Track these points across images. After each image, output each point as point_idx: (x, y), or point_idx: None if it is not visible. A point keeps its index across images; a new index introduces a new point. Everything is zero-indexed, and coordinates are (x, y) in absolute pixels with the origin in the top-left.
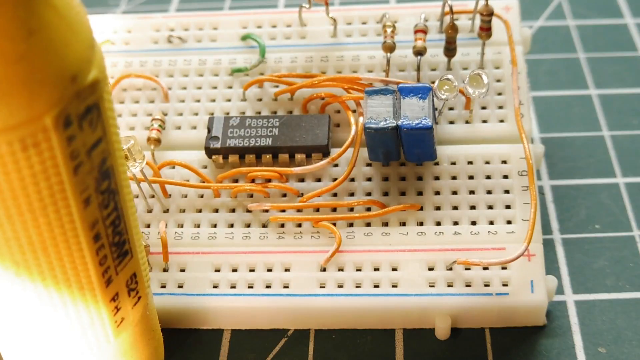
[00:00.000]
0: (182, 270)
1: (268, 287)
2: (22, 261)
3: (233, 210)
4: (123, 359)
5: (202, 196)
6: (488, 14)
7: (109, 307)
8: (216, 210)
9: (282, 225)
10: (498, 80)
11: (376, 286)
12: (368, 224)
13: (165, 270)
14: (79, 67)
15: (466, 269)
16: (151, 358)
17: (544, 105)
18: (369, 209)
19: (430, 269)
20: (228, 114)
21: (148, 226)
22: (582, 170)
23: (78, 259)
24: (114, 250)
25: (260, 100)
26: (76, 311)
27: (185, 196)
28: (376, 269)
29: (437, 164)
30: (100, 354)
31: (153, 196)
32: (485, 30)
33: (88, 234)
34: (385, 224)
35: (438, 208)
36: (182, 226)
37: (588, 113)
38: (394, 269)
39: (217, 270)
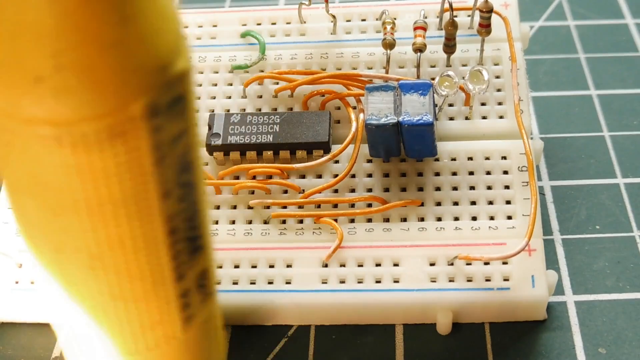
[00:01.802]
0: None
1: (270, 283)
2: (97, 254)
3: (234, 207)
4: (189, 356)
5: None
6: (487, 11)
7: (179, 303)
8: (218, 207)
9: (284, 222)
10: (497, 77)
11: (378, 282)
12: (369, 220)
13: None
14: (169, 56)
15: (467, 264)
16: (215, 356)
17: (544, 106)
18: (370, 205)
19: (432, 265)
20: (228, 111)
21: None
22: (582, 170)
23: (153, 253)
24: (188, 245)
25: (260, 97)
26: (147, 305)
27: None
28: (378, 265)
29: (437, 160)
30: (167, 350)
31: None
32: (485, 27)
33: (165, 227)
34: (387, 220)
35: (439, 204)
36: None
37: (588, 113)
38: (396, 265)
39: (219, 267)
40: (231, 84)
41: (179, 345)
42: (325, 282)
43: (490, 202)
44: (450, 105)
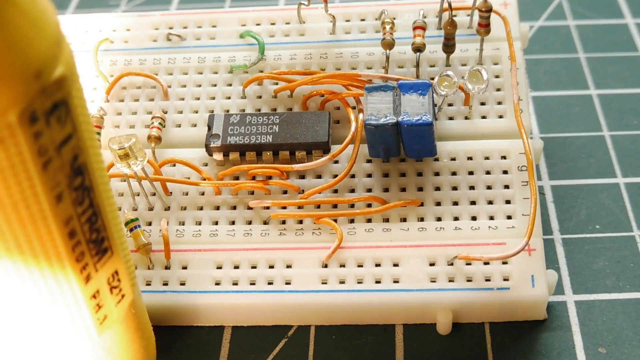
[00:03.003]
0: (184, 268)
1: (270, 283)
2: None
3: (234, 208)
4: (109, 356)
5: (203, 194)
6: (486, 10)
7: (90, 304)
8: (217, 208)
9: (284, 222)
10: (497, 76)
11: (378, 282)
12: (369, 220)
13: (167, 267)
14: (43, 63)
15: (467, 264)
16: (140, 356)
17: (544, 105)
18: (369, 205)
19: (432, 265)
20: (228, 111)
21: (149, 224)
22: (582, 170)
23: (54, 255)
24: (91, 247)
25: (260, 97)
26: (56, 307)
27: (187, 194)
28: (377, 265)
29: (437, 159)
30: (84, 351)
31: (154, 194)
32: (484, 27)
33: (62, 230)
34: (386, 220)
35: (438, 204)
36: (183, 224)
37: (588, 113)
38: (395, 265)
39: (219, 268)
40: (230, 85)
41: (96, 346)
42: (325, 283)
43: (490, 202)
44: (450, 104)
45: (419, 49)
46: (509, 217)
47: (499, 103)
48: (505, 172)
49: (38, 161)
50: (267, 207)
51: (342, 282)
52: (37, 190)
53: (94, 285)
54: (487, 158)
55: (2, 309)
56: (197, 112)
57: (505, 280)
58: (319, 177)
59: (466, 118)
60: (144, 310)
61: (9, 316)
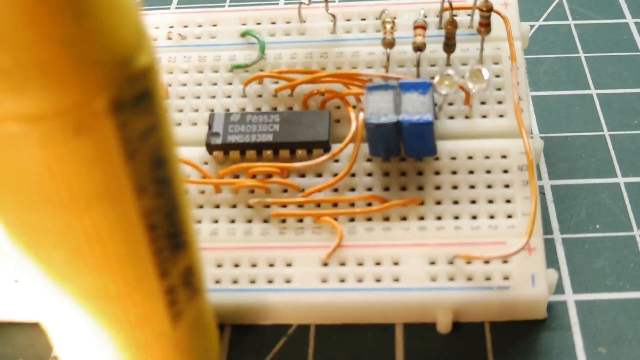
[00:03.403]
0: None
1: (270, 282)
2: (76, 251)
3: (234, 206)
4: (180, 353)
5: (203, 192)
6: (487, 10)
7: (166, 300)
8: (217, 206)
9: (284, 221)
10: (497, 76)
11: (378, 281)
12: (369, 219)
13: None
14: (129, 51)
15: (467, 263)
16: (206, 354)
17: (544, 105)
18: (370, 204)
19: (432, 264)
20: (228, 110)
21: None
22: (582, 170)
23: (133, 249)
24: (169, 241)
25: (260, 96)
26: (133, 303)
27: (186, 192)
28: (378, 264)
29: (437, 159)
30: (157, 347)
31: None
32: (484, 26)
33: (143, 223)
34: (387, 219)
35: (439, 203)
36: None
37: (588, 113)
38: (396, 264)
39: (219, 266)
40: (231, 84)
41: (169, 342)
42: (325, 282)
43: (490, 201)
44: (450, 104)
45: (419, 48)
46: (509, 217)
47: (500, 102)
48: (505, 171)
49: (123, 151)
50: (268, 206)
51: (342, 281)
52: (121, 181)
53: (170, 281)
54: (487, 157)
55: (77, 301)
56: (197, 110)
57: (505, 279)
58: (319, 175)
59: (466, 117)
60: (211, 308)
61: (83, 309)
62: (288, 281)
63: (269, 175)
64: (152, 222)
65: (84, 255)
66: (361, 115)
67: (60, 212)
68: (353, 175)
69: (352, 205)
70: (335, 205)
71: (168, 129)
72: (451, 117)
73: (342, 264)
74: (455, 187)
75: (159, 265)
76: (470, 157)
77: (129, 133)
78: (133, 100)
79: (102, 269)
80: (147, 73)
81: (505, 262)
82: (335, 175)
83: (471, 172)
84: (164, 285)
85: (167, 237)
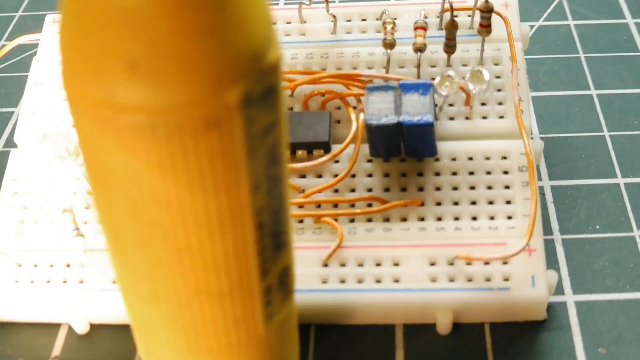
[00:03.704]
0: None
1: None
2: (185, 246)
3: None
4: (269, 354)
5: None
6: (487, 11)
7: (263, 300)
8: None
9: None
10: (498, 77)
11: (378, 281)
12: (369, 220)
13: None
14: (262, 45)
15: (467, 264)
16: (291, 355)
17: (544, 106)
18: (370, 205)
19: (432, 265)
20: None
21: None
22: (582, 170)
23: (241, 246)
24: (273, 240)
25: None
26: (231, 301)
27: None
28: (378, 265)
29: (437, 159)
30: (249, 348)
31: None
32: (485, 27)
33: (254, 221)
34: (387, 220)
35: (439, 204)
36: None
37: (588, 113)
38: (396, 265)
39: None
40: None
41: (260, 343)
42: (326, 282)
43: (491, 202)
44: (451, 105)
45: (420, 49)
46: (510, 218)
47: (500, 103)
48: (505, 172)
49: (246, 147)
50: None
51: (342, 282)
52: (240, 177)
53: (268, 280)
54: (487, 158)
55: (177, 300)
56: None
57: (505, 280)
58: (320, 176)
59: (467, 118)
60: (296, 309)
61: (183, 309)
62: None
63: None
64: (261, 220)
65: (192, 252)
66: (361, 116)
67: (176, 206)
68: (353, 176)
69: (353, 206)
70: (335, 206)
71: (286, 127)
72: (451, 118)
73: (343, 265)
74: (455, 188)
75: (261, 264)
76: (470, 158)
77: (254, 129)
78: (261, 95)
79: (209, 266)
80: (275, 68)
81: (505, 263)
82: (336, 176)
83: (471, 173)
84: (263, 285)
85: (271, 236)
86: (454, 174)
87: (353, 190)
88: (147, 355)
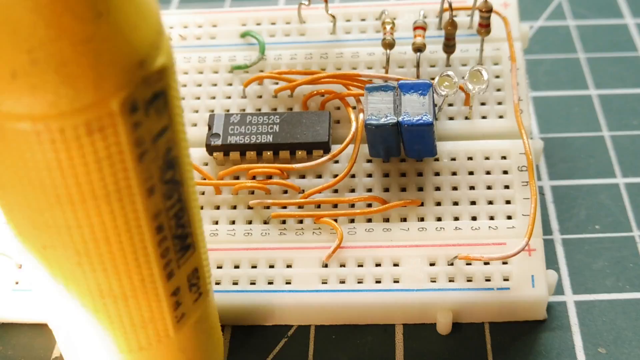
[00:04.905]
0: None
1: (270, 283)
2: (83, 250)
3: (234, 207)
4: (182, 355)
5: (203, 193)
6: (487, 11)
7: (170, 302)
8: (217, 207)
9: (284, 222)
10: (497, 77)
11: (378, 282)
12: (369, 220)
13: None
14: (146, 52)
15: (467, 264)
16: (210, 356)
17: (544, 105)
18: (370, 205)
19: (432, 265)
20: (228, 111)
21: None
22: (582, 170)
23: (140, 250)
24: (176, 243)
25: (260, 97)
26: (137, 303)
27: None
28: (378, 265)
29: (437, 159)
30: (160, 349)
31: None
32: (484, 27)
33: (151, 224)
34: (387, 220)
35: (439, 204)
36: None
37: (588, 113)
38: (396, 265)
39: (219, 267)
40: (231, 84)
41: (172, 344)
42: (325, 282)
43: (490, 202)
44: (450, 105)
45: (419, 49)
46: (509, 218)
47: (499, 103)
48: (505, 172)
49: (135, 152)
50: (268, 207)
51: (342, 282)
52: (131, 182)
53: (175, 282)
54: (487, 158)
55: (82, 301)
56: (197, 111)
57: (505, 280)
58: (319, 176)
59: (466, 118)
60: (215, 310)
61: (88, 309)
62: (288, 282)
63: (269, 177)
64: (160, 223)
65: (91, 255)
66: (361, 116)
67: (69, 210)
68: (353, 176)
69: (352, 206)
70: (335, 206)
71: (181, 130)
72: (451, 118)
73: (342, 265)
74: (455, 188)
75: (164, 267)
76: (470, 158)
77: (142, 134)
78: (147, 100)
79: (108, 268)
80: (163, 74)
81: (505, 263)
82: (335, 176)
83: (471, 173)
84: (169, 287)
85: (174, 238)
86: (454, 173)
87: (353, 191)
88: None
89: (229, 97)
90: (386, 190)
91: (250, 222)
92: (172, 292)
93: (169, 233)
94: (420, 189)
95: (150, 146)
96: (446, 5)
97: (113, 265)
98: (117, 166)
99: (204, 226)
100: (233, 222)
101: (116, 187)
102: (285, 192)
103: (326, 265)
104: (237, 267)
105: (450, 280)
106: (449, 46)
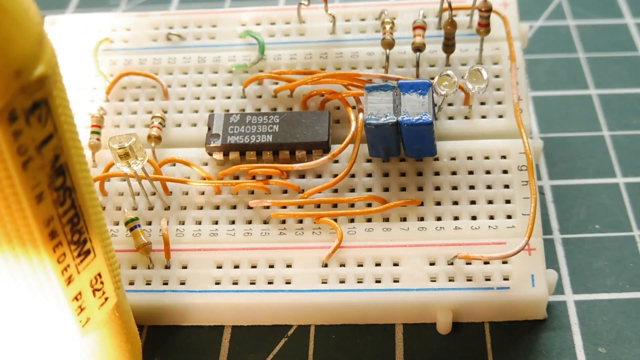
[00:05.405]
0: (184, 267)
1: (270, 283)
2: None
3: (234, 207)
4: (93, 358)
5: (203, 193)
6: (486, 10)
7: (72, 306)
8: (217, 207)
9: (284, 222)
10: (497, 76)
11: (378, 281)
12: (369, 220)
13: (167, 267)
14: (23, 62)
15: (467, 263)
16: (127, 355)
17: (544, 105)
18: (369, 205)
19: (432, 264)
20: (228, 111)
21: (150, 223)
22: (582, 170)
23: (35, 256)
24: (73, 248)
25: (260, 97)
26: (38, 309)
27: (186, 193)
28: (377, 264)
29: (437, 159)
30: (68, 352)
31: (154, 193)
32: (484, 27)
33: (43, 230)
34: (386, 220)
35: (438, 203)
36: (183, 223)
37: (588, 113)
38: (396, 264)
39: (219, 267)
40: (230, 84)
41: (79, 348)
42: (325, 282)
43: (490, 202)
44: (450, 104)
45: (419, 48)
46: (509, 217)
47: (499, 103)
48: (505, 171)
49: (18, 160)
50: (267, 207)
51: (342, 282)
52: (17, 189)
53: (76, 287)
54: (487, 158)
55: None
56: (197, 111)
57: (505, 279)
58: (319, 176)
59: (466, 118)
60: (129, 313)
61: None
62: (288, 282)
63: (269, 177)
64: (53, 229)
65: None
66: (361, 116)
67: None
68: (353, 176)
69: (352, 206)
70: (335, 206)
71: (70, 136)
72: (451, 118)
73: (342, 265)
74: (455, 188)
75: (62, 272)
76: (469, 158)
77: (24, 142)
78: (28, 110)
79: (4, 276)
80: (43, 83)
81: (505, 262)
82: (335, 176)
83: (471, 172)
84: (70, 292)
85: (71, 244)
86: (454, 173)
87: (352, 190)
88: None
89: (229, 97)
90: (386, 190)
91: (250, 222)
92: (74, 297)
93: (64, 239)
94: (420, 189)
95: (34, 154)
96: (446, 5)
97: (9, 273)
98: (1, 174)
99: (204, 226)
100: (233, 222)
101: (2, 195)
102: (285, 192)
103: (326, 265)
104: (236, 267)
105: (450, 280)
106: (449, 46)
